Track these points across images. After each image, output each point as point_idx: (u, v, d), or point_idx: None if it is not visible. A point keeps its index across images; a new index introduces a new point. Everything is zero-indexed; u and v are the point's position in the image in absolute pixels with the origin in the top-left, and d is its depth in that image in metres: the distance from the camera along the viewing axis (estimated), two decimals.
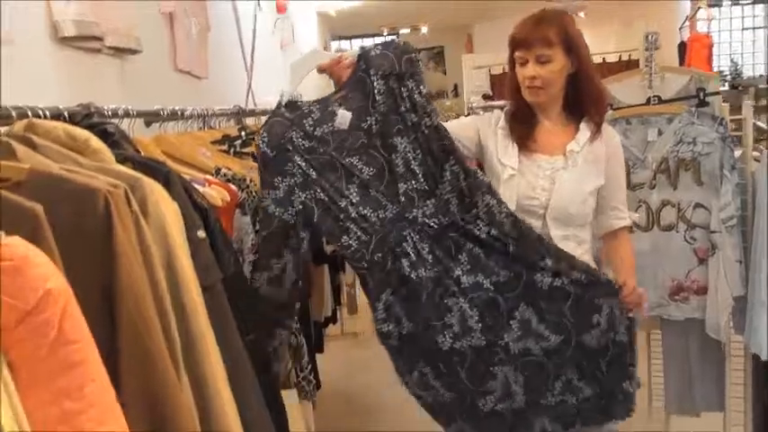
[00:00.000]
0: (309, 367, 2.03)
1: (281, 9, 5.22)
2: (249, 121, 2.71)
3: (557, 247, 1.55)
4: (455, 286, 1.50)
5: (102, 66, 2.16)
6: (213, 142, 1.94)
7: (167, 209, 1.06)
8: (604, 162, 1.67)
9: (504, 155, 1.69)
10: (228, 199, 1.47)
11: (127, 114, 1.46)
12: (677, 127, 2.05)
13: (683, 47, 6.17)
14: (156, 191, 1.05)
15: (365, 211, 1.49)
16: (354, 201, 1.48)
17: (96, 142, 1.04)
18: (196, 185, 1.40)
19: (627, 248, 1.75)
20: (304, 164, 1.48)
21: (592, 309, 1.55)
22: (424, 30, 9.67)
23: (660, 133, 2.07)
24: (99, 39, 2.00)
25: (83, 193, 0.89)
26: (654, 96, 2.09)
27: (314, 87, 2.01)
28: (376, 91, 1.48)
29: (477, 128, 1.76)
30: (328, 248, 2.68)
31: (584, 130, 1.67)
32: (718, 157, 2.02)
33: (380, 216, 1.49)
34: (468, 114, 5.01)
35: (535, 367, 1.55)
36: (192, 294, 1.04)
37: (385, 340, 1.54)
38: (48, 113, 1.11)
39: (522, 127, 1.68)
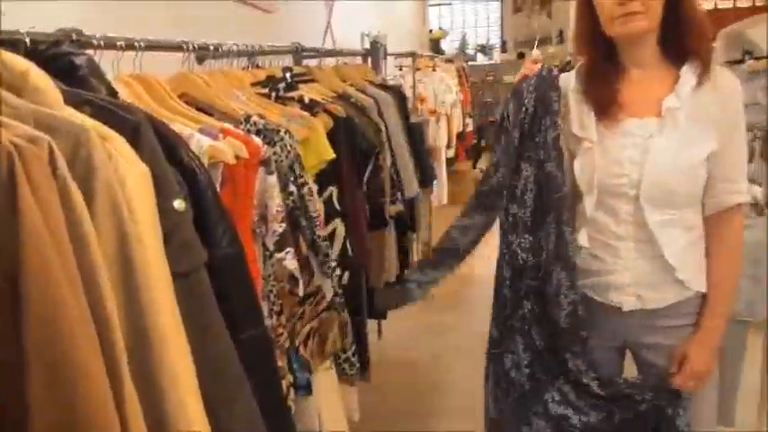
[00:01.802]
0: (354, 347, 1.79)
1: None
2: (312, 62, 2.43)
3: None
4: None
5: None
6: (254, 84, 1.68)
7: (130, 172, 0.80)
8: (719, 117, 1.26)
9: (578, 125, 1.33)
10: (246, 155, 1.20)
11: (131, 47, 1.20)
12: None
13: None
14: (113, 147, 0.80)
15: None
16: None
17: (38, 78, 0.79)
18: (204, 138, 1.15)
19: (733, 249, 1.34)
20: None
21: None
22: None
23: None
24: None
25: None
26: None
27: None
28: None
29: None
30: (392, 209, 2.41)
31: (688, 77, 1.26)
32: None
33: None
34: (569, 63, 4.51)
35: None
36: (154, 284, 0.79)
37: None
38: None
39: (600, 83, 1.31)
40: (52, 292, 0.65)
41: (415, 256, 3.94)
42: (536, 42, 7.68)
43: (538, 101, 1.32)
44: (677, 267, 1.30)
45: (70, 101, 0.83)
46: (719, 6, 7.49)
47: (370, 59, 3.43)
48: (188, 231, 0.88)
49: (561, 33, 9.30)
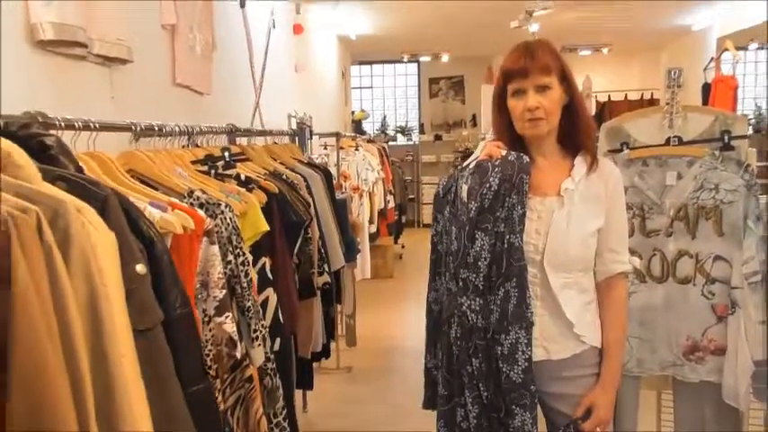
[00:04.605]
0: (284, 412, 1.86)
1: (297, 30, 5.14)
2: (244, 141, 2.59)
3: None
4: None
5: (89, 75, 2.05)
6: (194, 162, 1.81)
7: (100, 239, 0.91)
8: (604, 199, 1.56)
9: None
10: (192, 226, 1.32)
11: (87, 127, 1.32)
12: (698, 171, 1.88)
13: (707, 88, 5.95)
14: (86, 217, 0.91)
15: None
16: None
17: (20, 157, 0.90)
18: (155, 210, 1.26)
19: (619, 311, 1.59)
20: None
21: None
22: (445, 58, 9.55)
23: (680, 177, 1.89)
24: (83, 45, 1.89)
25: None
26: (674, 137, 1.92)
27: None
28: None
29: None
30: (319, 281, 2.54)
31: (580, 166, 1.56)
32: (743, 207, 1.83)
33: None
34: None
35: None
36: (119, 339, 0.89)
37: None
38: None
39: None
40: (36, 354, 0.74)
41: (340, 327, 4.05)
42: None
43: (503, 180, 1.47)
44: (575, 323, 1.52)
45: (46, 176, 0.94)
46: (613, 99, 8.34)
47: (297, 139, 3.62)
48: (147, 293, 0.98)
49: (474, 117, 9.95)
